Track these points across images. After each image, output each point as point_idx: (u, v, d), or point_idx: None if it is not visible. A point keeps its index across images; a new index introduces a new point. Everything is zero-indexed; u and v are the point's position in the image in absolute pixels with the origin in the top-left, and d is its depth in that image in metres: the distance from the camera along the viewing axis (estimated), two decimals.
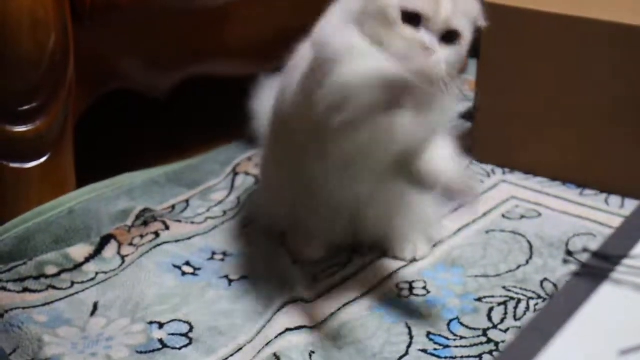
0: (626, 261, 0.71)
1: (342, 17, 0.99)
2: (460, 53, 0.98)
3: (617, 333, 0.63)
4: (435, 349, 1.03)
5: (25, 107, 1.17)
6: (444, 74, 0.95)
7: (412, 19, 0.95)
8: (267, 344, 1.02)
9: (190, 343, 1.03)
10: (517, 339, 0.62)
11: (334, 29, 0.98)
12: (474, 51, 1.47)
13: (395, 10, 0.95)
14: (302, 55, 1.06)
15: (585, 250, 1.16)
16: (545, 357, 0.60)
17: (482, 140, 1.47)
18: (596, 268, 0.71)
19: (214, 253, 1.21)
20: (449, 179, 1.01)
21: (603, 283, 0.69)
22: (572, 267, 1.15)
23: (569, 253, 1.20)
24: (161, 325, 1.05)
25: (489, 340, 1.05)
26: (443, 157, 1.04)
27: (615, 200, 1.37)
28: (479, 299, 1.12)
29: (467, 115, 1.61)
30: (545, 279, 1.16)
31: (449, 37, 0.97)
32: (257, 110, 1.30)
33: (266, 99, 1.26)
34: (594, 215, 1.33)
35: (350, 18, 0.98)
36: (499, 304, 1.11)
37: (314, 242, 1.18)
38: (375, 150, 1.01)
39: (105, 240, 1.19)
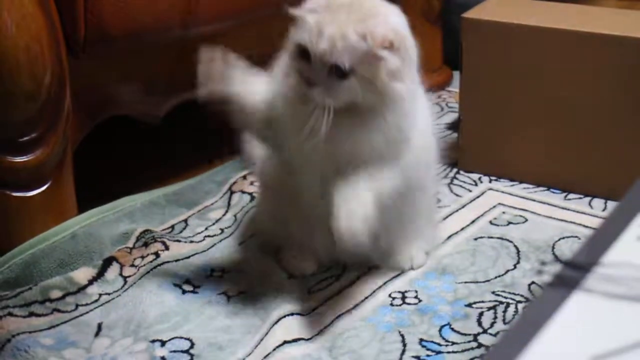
0: (597, 269, 0.74)
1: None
2: (354, 87, 1.00)
3: (589, 340, 0.66)
4: (428, 355, 1.07)
5: (25, 138, 1.20)
6: (324, 104, 1.00)
7: (304, 53, 1.01)
8: (265, 357, 1.05)
9: (191, 359, 1.06)
10: (490, 352, 0.65)
11: None
12: (457, 64, 1.52)
13: (292, 44, 1.02)
14: None
15: (557, 260, 1.20)
16: None
17: (468, 150, 1.52)
18: (568, 277, 0.74)
19: (212, 270, 1.24)
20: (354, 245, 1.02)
21: (574, 292, 0.72)
22: (545, 277, 1.19)
23: (543, 263, 1.24)
24: (163, 343, 1.08)
25: (480, 345, 1.08)
26: (354, 215, 1.02)
27: (598, 203, 1.41)
28: (469, 305, 1.16)
29: (452, 126, 1.65)
30: (533, 282, 1.20)
31: (338, 71, 1.00)
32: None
33: None
34: (579, 218, 1.36)
35: None
36: (489, 309, 1.15)
37: (307, 257, 1.22)
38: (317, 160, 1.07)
39: (107, 263, 1.22)
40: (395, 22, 1.04)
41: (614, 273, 0.73)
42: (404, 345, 1.09)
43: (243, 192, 1.44)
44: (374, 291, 1.20)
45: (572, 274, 0.74)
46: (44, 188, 1.24)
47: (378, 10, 1.04)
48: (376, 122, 1.04)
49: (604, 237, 0.80)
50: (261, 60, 1.12)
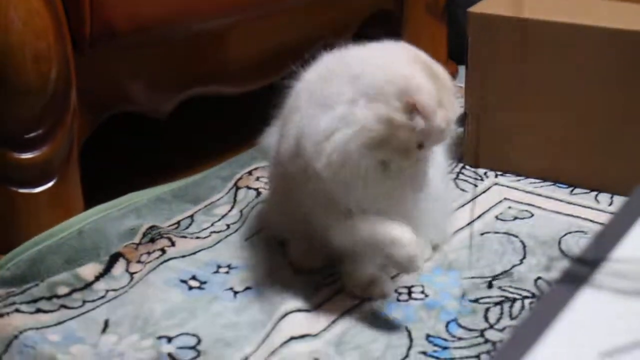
0: (606, 264, 0.74)
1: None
2: None
3: (598, 337, 0.66)
4: (434, 351, 1.07)
5: (32, 135, 1.20)
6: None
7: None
8: (272, 353, 1.05)
9: (198, 355, 1.06)
10: (499, 350, 0.65)
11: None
12: (462, 58, 1.52)
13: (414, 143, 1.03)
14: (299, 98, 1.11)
15: (564, 254, 1.19)
16: None
17: (473, 145, 1.51)
18: (577, 273, 0.74)
19: (219, 266, 1.24)
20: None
21: (583, 288, 0.72)
22: (553, 273, 1.19)
23: (551, 259, 1.24)
24: (170, 340, 1.08)
25: (486, 341, 1.08)
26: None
27: (604, 197, 1.41)
28: (476, 300, 1.16)
29: (458, 121, 1.64)
30: (539, 278, 1.20)
31: None
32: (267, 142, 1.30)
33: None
34: (585, 213, 1.36)
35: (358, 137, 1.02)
36: (495, 304, 1.15)
37: (313, 252, 1.21)
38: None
39: (114, 259, 1.23)
40: None
41: (622, 268, 0.73)
42: (411, 340, 1.09)
43: (249, 187, 1.44)
44: None
45: (580, 269, 0.74)
46: (50, 184, 1.24)
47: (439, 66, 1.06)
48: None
49: (613, 232, 0.80)
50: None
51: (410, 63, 1.04)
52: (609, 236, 0.79)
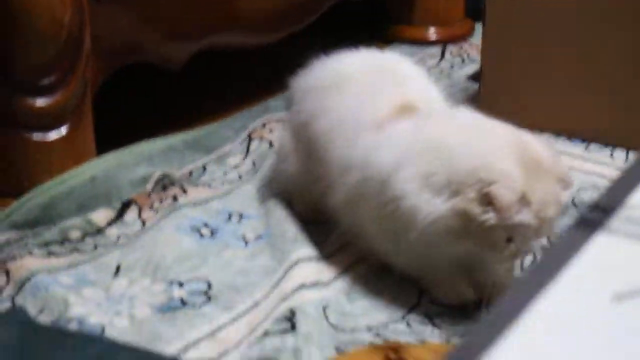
0: (621, 210, 0.74)
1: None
2: None
3: (611, 280, 0.66)
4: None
5: (45, 81, 1.20)
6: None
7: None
8: (282, 299, 1.05)
9: (209, 300, 1.06)
10: (510, 291, 0.65)
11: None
12: (479, 15, 1.50)
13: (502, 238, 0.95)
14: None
15: (578, 204, 1.18)
16: (538, 306, 0.63)
17: (489, 101, 1.50)
18: (591, 219, 0.73)
19: (230, 215, 1.24)
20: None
21: (597, 233, 0.71)
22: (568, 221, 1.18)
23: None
24: (181, 284, 1.09)
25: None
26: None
27: (619, 153, 1.40)
28: None
29: (473, 77, 1.64)
30: None
31: None
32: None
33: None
34: (600, 169, 1.36)
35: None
36: None
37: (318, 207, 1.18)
38: None
39: (126, 205, 1.23)
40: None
41: (638, 214, 0.73)
42: (420, 290, 1.08)
43: (262, 138, 1.43)
44: None
45: (595, 215, 0.74)
46: (63, 131, 1.24)
47: (542, 150, 1.00)
48: None
49: (628, 180, 0.79)
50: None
51: (502, 148, 0.97)
52: (624, 184, 0.79)
